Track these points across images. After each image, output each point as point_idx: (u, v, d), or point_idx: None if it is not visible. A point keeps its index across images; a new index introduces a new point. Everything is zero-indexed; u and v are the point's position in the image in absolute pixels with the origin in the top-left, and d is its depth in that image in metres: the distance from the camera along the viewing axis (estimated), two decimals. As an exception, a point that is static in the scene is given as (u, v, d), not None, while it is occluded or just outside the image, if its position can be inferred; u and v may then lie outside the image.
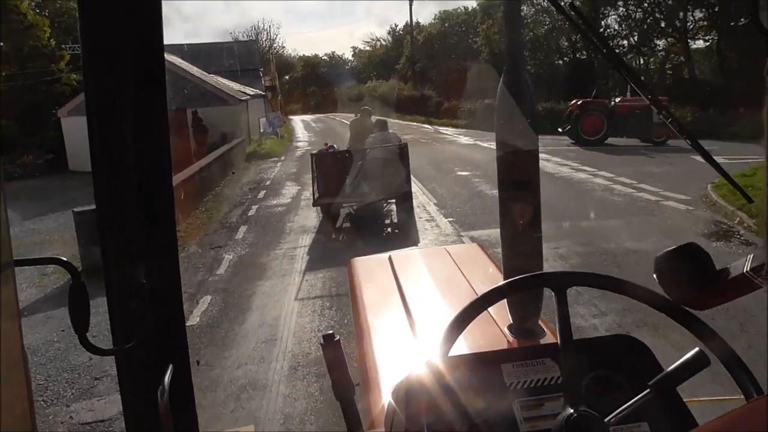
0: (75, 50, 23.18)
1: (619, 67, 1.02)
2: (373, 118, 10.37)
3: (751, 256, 0.79)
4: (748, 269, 0.79)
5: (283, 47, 64.75)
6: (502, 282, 1.08)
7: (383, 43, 59.74)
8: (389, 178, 8.75)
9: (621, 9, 30.46)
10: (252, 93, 26.94)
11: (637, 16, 30.27)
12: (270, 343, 4.99)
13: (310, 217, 9.92)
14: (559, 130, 18.37)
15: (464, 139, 22.17)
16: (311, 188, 9.55)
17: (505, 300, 1.46)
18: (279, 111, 33.54)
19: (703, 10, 27.64)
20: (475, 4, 40.83)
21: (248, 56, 33.46)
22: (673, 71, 30.10)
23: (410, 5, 40.30)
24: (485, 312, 1.07)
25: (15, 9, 20.29)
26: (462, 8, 44.53)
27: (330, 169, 9.10)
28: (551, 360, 1.07)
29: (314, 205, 9.40)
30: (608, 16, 30.84)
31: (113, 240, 0.92)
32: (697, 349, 0.88)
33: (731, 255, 6.13)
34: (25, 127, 19.70)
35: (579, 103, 17.97)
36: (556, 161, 14.11)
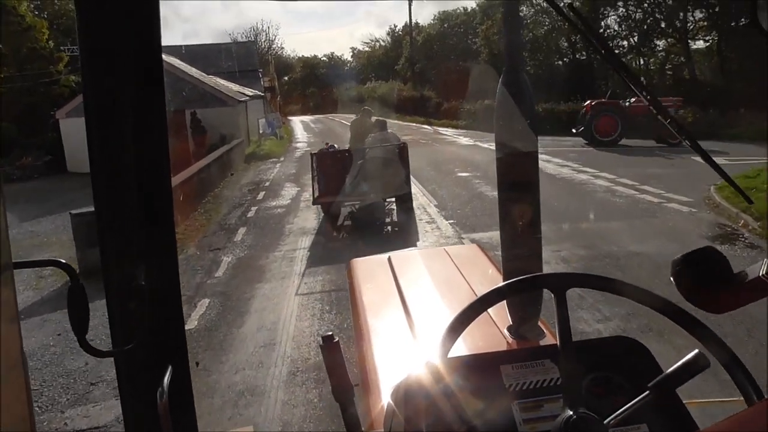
0: (74, 52, 23.13)
1: (618, 68, 1.01)
2: (373, 119, 10.43)
3: (767, 260, 0.77)
4: (764, 272, 0.78)
5: (282, 48, 64.78)
6: (501, 283, 1.08)
7: (382, 43, 59.74)
8: (388, 177, 8.85)
9: (621, 9, 30.41)
10: (251, 94, 26.86)
11: (637, 17, 30.23)
12: (268, 347, 4.91)
13: (309, 219, 9.85)
14: (573, 131, 18.20)
15: (464, 140, 22.11)
16: (311, 187, 9.64)
17: (504, 301, 1.44)
18: (278, 112, 33.47)
19: (704, 10, 27.61)
20: (474, 5, 40.80)
21: (247, 57, 33.36)
22: (673, 72, 30.06)
23: (409, 6, 40.39)
24: (484, 313, 1.06)
25: (13, 11, 20.22)
26: (461, 9, 44.47)
27: (330, 168, 9.21)
28: (551, 361, 1.07)
29: (314, 203, 9.48)
30: (608, 16, 30.81)
31: (112, 240, 0.92)
32: (696, 351, 0.88)
33: (736, 258, 6.06)
34: (23, 129, 19.64)
35: (593, 104, 17.74)
36: (556, 162, 14.04)
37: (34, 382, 4.59)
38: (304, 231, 9.03)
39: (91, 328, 0.87)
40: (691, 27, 28.46)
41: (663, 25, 29.69)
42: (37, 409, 4.24)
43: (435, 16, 47.83)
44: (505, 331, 1.62)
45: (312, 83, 59.33)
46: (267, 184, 14.15)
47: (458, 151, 18.46)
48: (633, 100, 17.83)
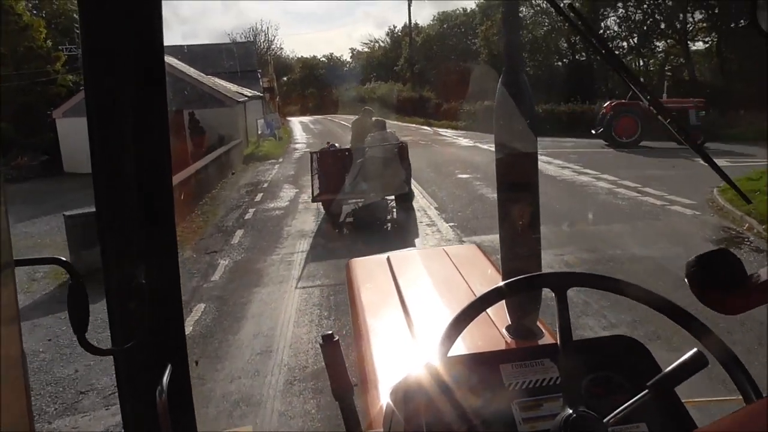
0: (72, 51, 23.01)
1: (618, 69, 1.01)
2: (373, 119, 10.48)
3: None
4: None
5: (282, 48, 64.84)
6: (501, 282, 1.08)
7: (382, 44, 59.58)
8: (387, 176, 9.00)
9: (620, 10, 30.32)
10: (250, 94, 26.74)
11: (637, 18, 30.14)
12: (265, 354, 4.78)
13: (307, 221, 9.73)
14: (592, 132, 17.95)
15: (464, 141, 22.00)
16: (310, 188, 9.75)
17: (503, 301, 1.45)
18: (277, 112, 33.33)
19: (703, 11, 27.54)
20: (474, 6, 40.71)
21: (246, 57, 33.23)
22: (673, 73, 29.98)
23: (409, 6, 40.28)
24: (484, 313, 1.05)
25: (11, 10, 20.08)
26: (461, 9, 44.32)
27: (330, 167, 9.39)
28: (550, 361, 1.07)
29: (313, 200, 9.66)
30: (608, 17, 30.71)
31: (113, 240, 0.92)
32: (695, 349, 0.88)
33: (746, 264, 5.93)
34: (19, 129, 19.49)
35: (613, 104, 17.37)
36: (557, 164, 13.92)
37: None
38: (303, 233, 8.91)
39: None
40: (691, 28, 28.38)
41: (663, 26, 29.61)
42: (24, 418, 4.11)
43: (434, 16, 47.77)
44: (504, 331, 1.61)
45: (311, 84, 59.20)
46: (265, 185, 14.02)
47: (458, 153, 18.35)
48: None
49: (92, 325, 0.91)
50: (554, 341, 1.00)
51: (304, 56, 63.83)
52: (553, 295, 0.99)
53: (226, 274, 7.08)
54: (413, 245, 7.82)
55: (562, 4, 1.01)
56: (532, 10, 31.29)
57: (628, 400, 0.89)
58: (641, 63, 31.40)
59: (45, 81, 21.28)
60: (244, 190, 13.60)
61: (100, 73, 0.87)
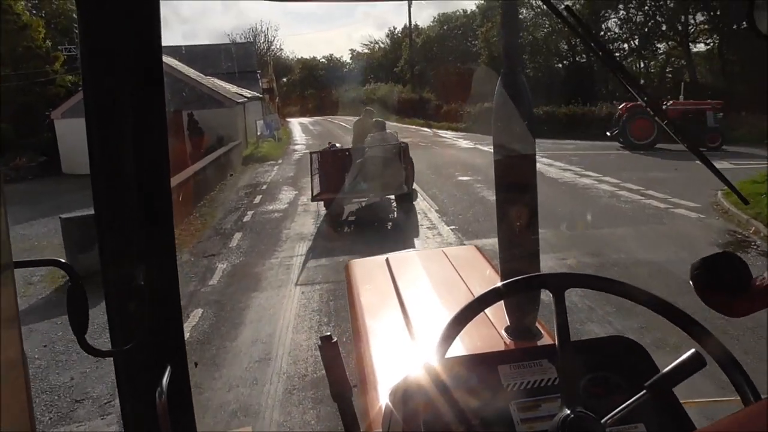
0: (71, 51, 22.92)
1: (616, 70, 1.00)
2: (373, 119, 10.60)
3: None
4: None
5: (281, 49, 64.66)
6: (500, 283, 1.08)
7: (381, 45, 59.47)
8: (386, 176, 9.15)
9: (621, 12, 30.24)
10: (249, 95, 26.64)
11: (638, 19, 30.05)
12: (263, 362, 4.68)
13: (307, 224, 9.63)
14: (608, 134, 17.76)
15: (464, 143, 21.91)
16: (309, 190, 9.91)
17: (502, 302, 1.44)
18: (276, 113, 33.23)
19: (705, 13, 27.46)
20: (474, 7, 40.61)
21: (246, 58, 33.14)
22: (674, 75, 29.90)
23: (409, 8, 40.10)
24: (482, 314, 1.05)
25: (9, 9, 19.98)
26: (461, 11, 44.23)
27: (330, 167, 9.59)
28: (548, 361, 1.07)
29: (313, 200, 9.80)
30: (609, 19, 30.63)
31: (112, 240, 0.91)
32: (693, 350, 0.88)
33: (752, 268, 5.84)
34: (18, 129, 19.40)
35: (628, 106, 17.04)
36: (559, 166, 13.83)
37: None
38: (302, 236, 8.80)
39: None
40: (692, 30, 28.31)
41: (664, 27, 29.53)
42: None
43: (434, 18, 47.76)
44: (503, 332, 1.61)
45: (311, 85, 59.08)
46: (264, 187, 13.92)
47: (458, 154, 18.25)
48: (671, 102, 17.43)
49: (89, 328, 0.90)
50: (553, 342, 1.00)
51: (304, 57, 63.75)
52: (552, 295, 1.00)
53: (224, 278, 6.98)
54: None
55: (561, 7, 1.01)
56: (532, 12, 31.20)
57: (626, 401, 0.90)
58: (642, 65, 31.33)
59: (44, 81, 21.20)
60: (242, 191, 13.49)
61: (99, 73, 0.86)
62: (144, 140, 0.90)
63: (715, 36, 27.46)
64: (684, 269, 0.91)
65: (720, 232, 7.63)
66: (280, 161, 19.26)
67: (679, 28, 28.44)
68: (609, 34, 30.53)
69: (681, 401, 1.03)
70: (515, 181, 1.56)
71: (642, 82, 29.63)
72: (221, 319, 5.69)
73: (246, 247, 8.41)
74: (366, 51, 61.48)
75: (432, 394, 0.89)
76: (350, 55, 64.77)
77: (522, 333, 1.58)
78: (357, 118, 11.79)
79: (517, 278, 1.06)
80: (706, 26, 27.99)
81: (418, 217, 9.46)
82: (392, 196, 9.90)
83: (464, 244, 7.64)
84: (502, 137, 1.56)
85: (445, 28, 44.90)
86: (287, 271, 7.10)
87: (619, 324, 4.74)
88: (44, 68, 21.24)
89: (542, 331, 1.60)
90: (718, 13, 26.28)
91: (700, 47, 29.27)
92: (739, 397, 0.90)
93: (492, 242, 7.23)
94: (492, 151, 1.57)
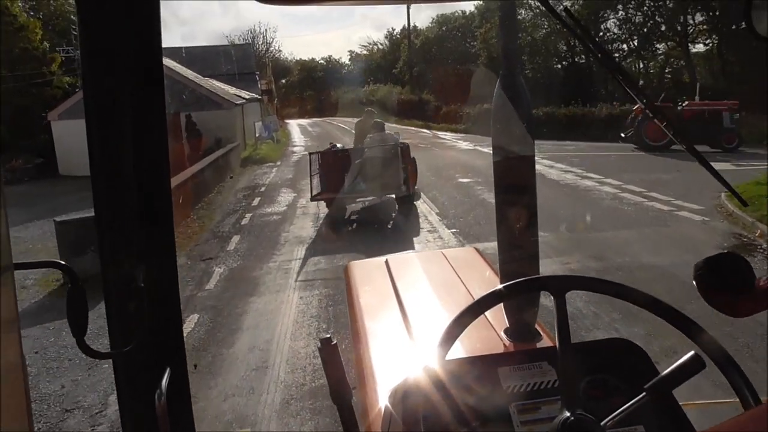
0: (68, 53, 22.79)
1: (614, 71, 1.01)
2: (373, 120, 10.70)
3: None
4: None
5: (280, 51, 64.57)
6: (500, 285, 1.07)
7: (380, 47, 59.35)
8: (385, 177, 9.27)
9: (621, 12, 30.19)
10: (248, 97, 26.52)
11: (637, 20, 30.00)
12: (261, 370, 4.54)
13: (306, 227, 9.50)
14: (621, 135, 17.54)
15: (464, 145, 21.80)
16: (308, 193, 10.01)
17: (501, 304, 1.46)
18: (275, 115, 33.11)
19: (704, 13, 27.43)
20: (473, 8, 40.53)
21: (244, 60, 33.02)
22: (673, 75, 29.84)
23: (408, 9, 40.01)
24: (481, 316, 1.05)
25: (6, 10, 19.86)
26: (459, 12, 44.17)
27: (331, 167, 9.74)
28: (548, 364, 1.07)
29: (312, 199, 9.89)
30: (608, 19, 30.59)
31: (112, 241, 0.91)
32: (692, 352, 0.88)
33: (756, 272, 5.72)
34: (14, 131, 19.26)
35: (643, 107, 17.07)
36: (560, 168, 13.71)
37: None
38: (301, 240, 8.67)
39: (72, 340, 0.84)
40: (692, 30, 28.27)
41: (663, 28, 29.50)
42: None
43: (433, 19, 47.74)
44: (503, 334, 1.61)
45: (309, 86, 58.98)
46: (263, 189, 13.79)
47: (458, 156, 18.13)
48: (686, 103, 17.25)
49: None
50: (552, 344, 1.00)
51: (303, 59, 63.61)
52: (552, 297, 0.98)
53: (222, 283, 6.85)
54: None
55: (560, 9, 1.01)
56: (531, 13, 31.14)
57: (626, 403, 0.90)
58: (641, 65, 31.29)
59: (40, 83, 21.06)
60: (241, 194, 13.37)
61: (99, 73, 0.86)
62: (144, 140, 0.90)
63: (714, 36, 27.42)
64: (690, 274, 0.88)
65: (725, 235, 7.52)
66: (278, 163, 19.13)
67: (679, 28, 28.40)
68: (608, 34, 30.49)
69: (680, 403, 1.02)
70: (514, 183, 1.56)
71: (641, 82, 29.59)
72: (218, 325, 5.56)
73: (244, 250, 8.29)
74: (365, 52, 61.41)
75: (432, 396, 0.89)
76: (349, 57, 64.74)
77: (521, 335, 1.57)
78: (357, 119, 12.12)
79: (518, 280, 1.05)
80: (705, 26, 27.96)
81: (419, 220, 9.34)
82: (394, 197, 9.95)
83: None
84: (501, 138, 1.55)
85: (443, 29, 44.84)
86: (285, 275, 6.98)
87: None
88: (41, 70, 21.10)
89: (542, 333, 1.59)
90: (718, 13, 26.24)
91: (700, 48, 29.26)
92: (738, 399, 0.90)
93: (494, 246, 7.11)
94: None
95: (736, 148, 15.55)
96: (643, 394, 0.89)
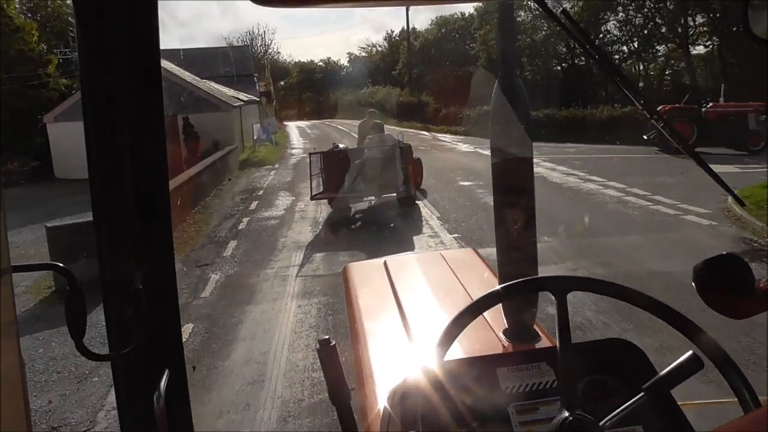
0: (66, 54, 22.61)
1: (613, 73, 1.01)
2: (373, 121, 10.89)
3: None
4: None
5: (278, 53, 64.47)
6: (499, 286, 1.08)
7: (379, 48, 59.22)
8: (385, 177, 9.46)
9: (621, 14, 30.09)
10: (246, 99, 26.36)
11: (637, 22, 29.91)
12: (257, 385, 4.35)
13: (304, 231, 9.32)
14: (644, 137, 17.36)
15: (464, 147, 21.64)
16: (307, 196, 10.31)
17: (500, 305, 1.45)
18: (274, 117, 32.95)
19: (704, 15, 27.35)
20: (472, 10, 40.45)
21: (243, 61, 32.89)
22: (674, 77, 29.74)
23: (407, 11, 39.89)
24: (480, 317, 1.05)
25: (2, 12, 19.70)
26: (459, 14, 44.08)
27: (332, 167, 9.97)
28: (546, 364, 1.07)
29: (312, 198, 10.12)
30: (608, 21, 30.49)
31: (110, 243, 0.91)
32: (690, 352, 0.88)
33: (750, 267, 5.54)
34: (10, 133, 19.07)
35: (666, 108, 16.37)
36: (562, 170, 13.53)
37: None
38: (299, 245, 8.48)
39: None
40: (692, 32, 28.18)
41: (663, 30, 29.41)
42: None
43: (432, 21, 47.63)
44: (501, 335, 1.61)
45: (308, 88, 58.86)
46: (261, 192, 13.60)
47: (458, 159, 17.97)
48: (710, 105, 17.04)
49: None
50: (551, 344, 1.01)
51: (301, 60, 63.51)
52: (553, 298, 0.98)
53: (217, 290, 6.66)
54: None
55: (559, 11, 1.00)
56: (530, 15, 31.00)
57: (625, 403, 0.90)
58: (642, 67, 31.18)
59: (37, 84, 20.87)
60: (238, 197, 13.18)
61: (97, 74, 0.86)
62: (142, 141, 0.89)
63: (714, 38, 27.35)
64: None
65: (735, 240, 7.34)
66: (277, 165, 18.94)
67: (679, 30, 28.30)
68: (608, 36, 30.40)
69: (679, 403, 1.02)
70: (513, 185, 1.56)
71: (641, 84, 29.48)
72: (213, 335, 5.36)
73: (241, 256, 8.10)
74: (364, 54, 61.28)
75: (430, 397, 0.89)
76: (348, 59, 64.58)
77: (520, 336, 1.57)
78: (356, 121, 12.31)
79: (516, 281, 1.06)
80: (705, 28, 27.89)
81: (420, 224, 9.17)
82: (391, 195, 10.12)
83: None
84: (500, 140, 1.55)
85: (443, 31, 44.74)
86: (283, 282, 6.79)
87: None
88: (37, 71, 20.91)
89: (541, 334, 1.59)
90: (718, 15, 26.16)
91: (700, 49, 29.17)
92: (736, 399, 0.90)
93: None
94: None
95: (762, 150, 15.33)
96: (642, 394, 0.89)
